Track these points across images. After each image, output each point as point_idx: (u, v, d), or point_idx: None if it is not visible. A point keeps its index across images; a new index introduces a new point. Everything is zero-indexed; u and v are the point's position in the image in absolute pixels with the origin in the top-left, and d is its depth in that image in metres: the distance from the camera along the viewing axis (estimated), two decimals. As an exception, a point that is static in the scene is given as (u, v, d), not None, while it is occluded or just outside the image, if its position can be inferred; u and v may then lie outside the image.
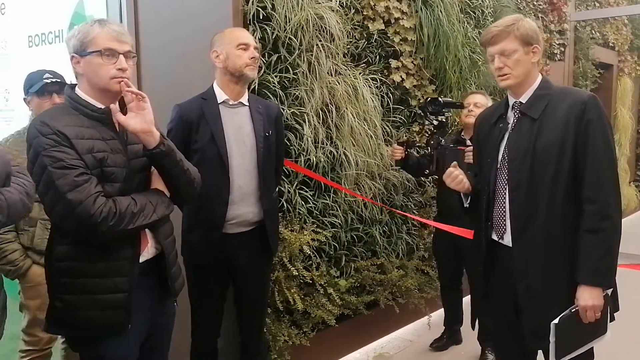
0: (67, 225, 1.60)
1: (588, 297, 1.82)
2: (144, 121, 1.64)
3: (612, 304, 1.93)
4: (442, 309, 3.59)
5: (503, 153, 1.99)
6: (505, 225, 1.98)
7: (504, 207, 1.98)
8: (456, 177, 2.11)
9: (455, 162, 2.15)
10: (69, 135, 1.57)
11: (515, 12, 4.63)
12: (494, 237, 2.04)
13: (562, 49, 5.67)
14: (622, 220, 1.92)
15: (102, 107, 1.67)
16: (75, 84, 1.72)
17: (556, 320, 1.80)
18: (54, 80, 2.42)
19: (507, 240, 1.99)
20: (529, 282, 1.92)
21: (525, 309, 1.94)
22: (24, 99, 2.48)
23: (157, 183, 1.77)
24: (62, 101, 2.32)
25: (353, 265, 3.26)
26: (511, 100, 2.02)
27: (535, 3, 5.12)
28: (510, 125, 2.00)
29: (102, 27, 1.64)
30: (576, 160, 1.85)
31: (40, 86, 2.39)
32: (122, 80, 1.65)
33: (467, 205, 2.20)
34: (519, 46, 1.92)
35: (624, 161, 7.20)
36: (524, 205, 1.92)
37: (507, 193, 1.96)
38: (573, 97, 1.90)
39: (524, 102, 1.98)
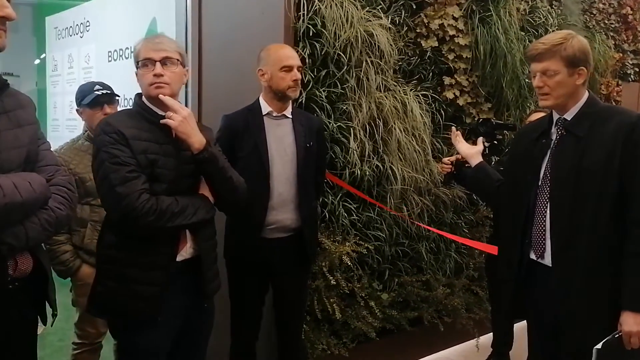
0: (114, 216, 1.75)
1: (633, 323, 1.75)
2: (183, 124, 1.74)
3: None
4: (492, 332, 3.49)
5: (545, 170, 1.95)
6: (544, 244, 1.94)
7: (544, 226, 1.93)
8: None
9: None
10: (127, 136, 1.73)
11: (582, 30, 4.48)
12: (532, 256, 1.99)
13: (637, 69, 5.39)
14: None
15: (162, 114, 1.81)
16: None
17: (599, 346, 1.74)
18: (104, 92, 2.54)
19: (547, 260, 1.93)
20: (570, 304, 1.87)
21: (567, 331, 1.89)
22: (77, 110, 2.60)
23: (204, 189, 1.88)
24: (112, 111, 2.52)
25: (397, 280, 3.25)
26: (555, 116, 1.98)
27: (606, 22, 4.92)
28: (553, 142, 1.96)
29: (144, 41, 1.81)
30: (622, 181, 1.79)
31: (92, 98, 2.50)
32: (159, 86, 1.76)
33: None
34: (563, 67, 1.87)
35: None
36: (566, 224, 1.87)
37: (548, 211, 1.92)
38: (621, 117, 1.85)
39: (568, 119, 1.93)
